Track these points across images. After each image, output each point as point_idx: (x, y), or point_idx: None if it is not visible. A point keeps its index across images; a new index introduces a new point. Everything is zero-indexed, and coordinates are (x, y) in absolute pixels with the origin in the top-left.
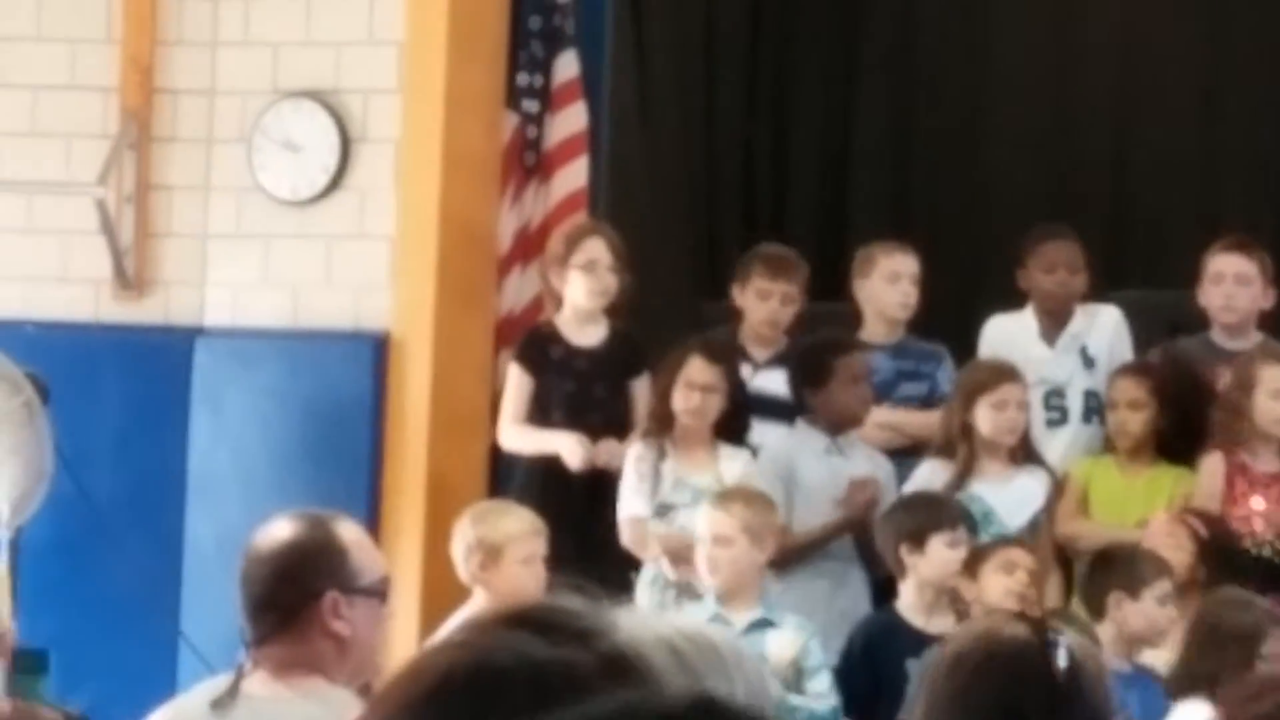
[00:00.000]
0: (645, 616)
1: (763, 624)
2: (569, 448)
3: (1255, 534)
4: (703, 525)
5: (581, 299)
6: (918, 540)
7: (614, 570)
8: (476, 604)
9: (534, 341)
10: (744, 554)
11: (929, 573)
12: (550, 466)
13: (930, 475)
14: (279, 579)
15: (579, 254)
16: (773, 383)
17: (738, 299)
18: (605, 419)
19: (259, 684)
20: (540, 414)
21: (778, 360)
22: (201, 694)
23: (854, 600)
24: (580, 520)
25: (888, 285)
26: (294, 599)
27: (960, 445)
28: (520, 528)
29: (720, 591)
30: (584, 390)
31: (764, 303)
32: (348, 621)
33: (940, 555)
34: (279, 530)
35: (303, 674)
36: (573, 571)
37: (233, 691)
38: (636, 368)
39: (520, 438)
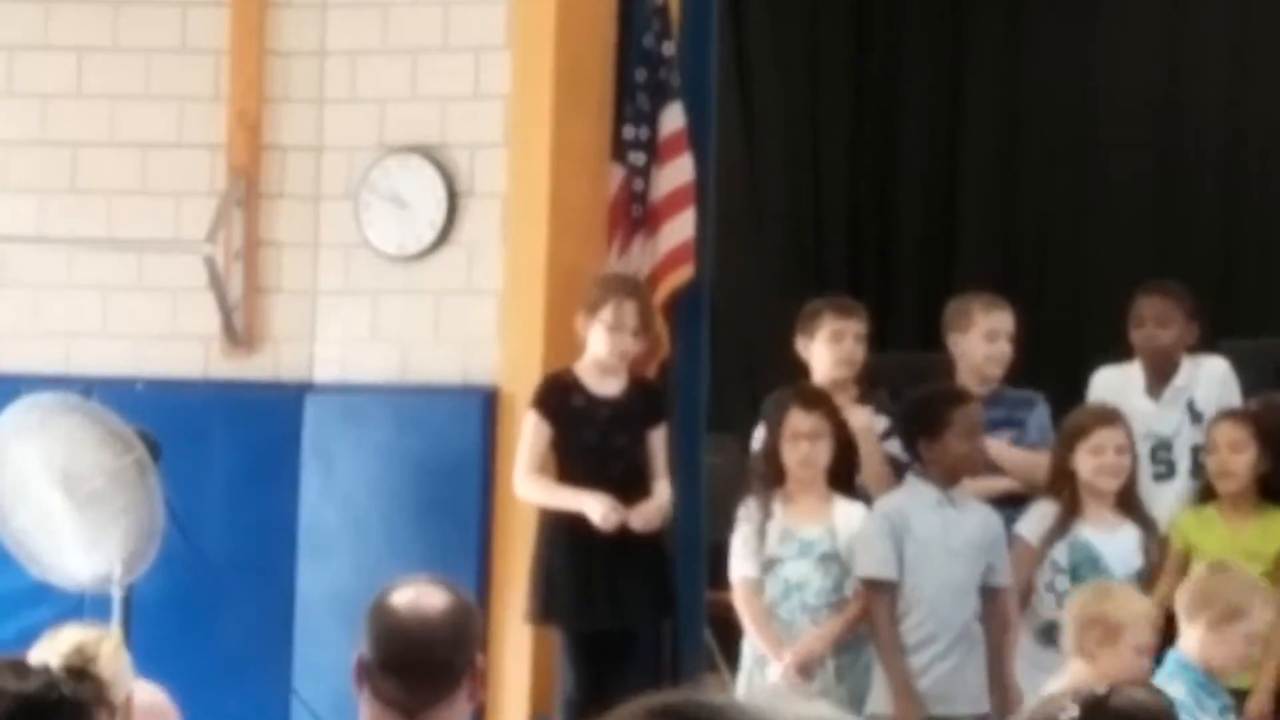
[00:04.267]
0: (779, 708)
1: None
2: (601, 512)
3: None
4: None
5: (602, 354)
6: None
7: (646, 615)
8: (1075, 673)
9: (554, 389)
10: None
11: None
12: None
13: (1041, 515)
14: (454, 644)
15: (606, 311)
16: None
17: (803, 351)
18: (626, 468)
19: None
20: (561, 463)
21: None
22: None
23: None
24: (610, 567)
25: (985, 343)
26: (460, 664)
27: (1064, 489)
28: (1143, 612)
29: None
30: (606, 440)
31: (838, 344)
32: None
33: None
34: (432, 597)
35: None
36: (607, 614)
37: None
38: (656, 417)
39: (541, 491)
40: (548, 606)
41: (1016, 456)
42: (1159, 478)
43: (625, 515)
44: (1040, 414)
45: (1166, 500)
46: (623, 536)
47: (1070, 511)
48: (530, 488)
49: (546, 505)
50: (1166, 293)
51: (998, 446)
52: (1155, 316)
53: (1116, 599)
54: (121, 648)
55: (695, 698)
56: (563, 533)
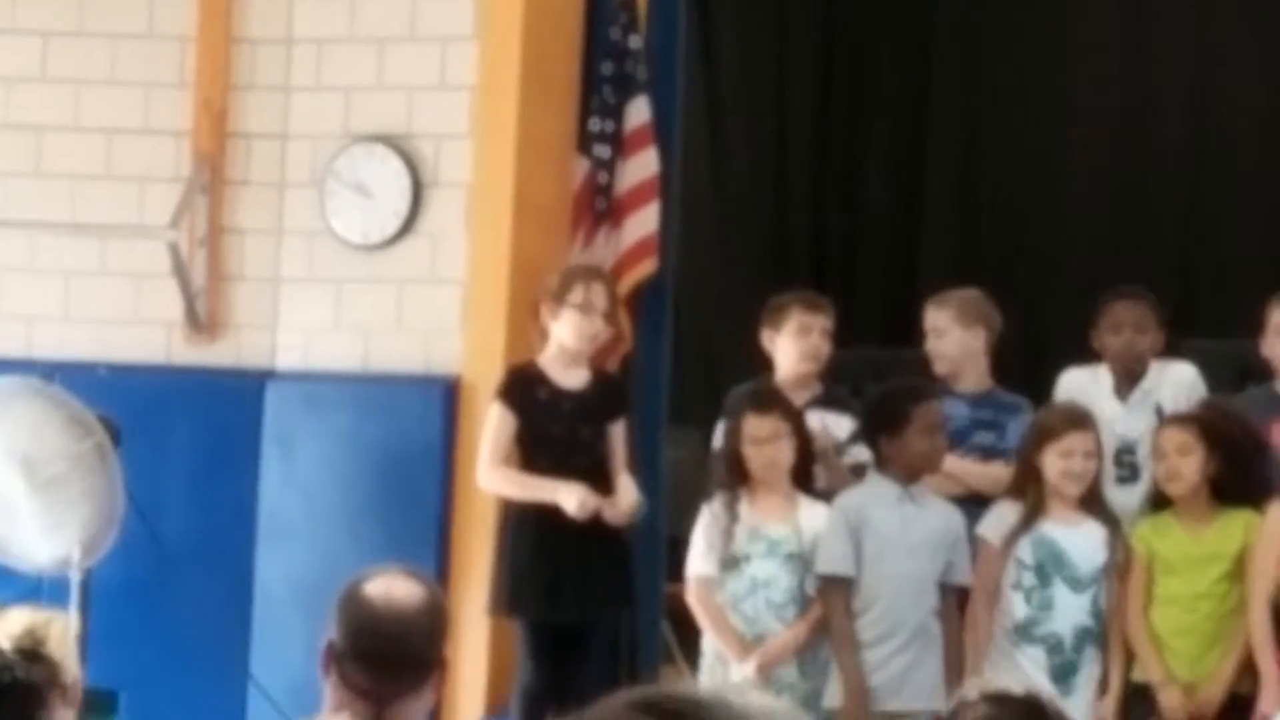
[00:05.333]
0: (752, 704)
1: None
2: (577, 499)
3: None
4: None
5: (570, 340)
6: None
7: (609, 608)
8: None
9: (519, 381)
10: None
11: None
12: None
13: (1003, 515)
14: (427, 636)
15: (575, 293)
16: (815, 424)
17: (768, 344)
18: (591, 461)
19: None
20: (526, 455)
21: (815, 403)
22: None
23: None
24: (577, 560)
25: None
26: (431, 657)
27: (1030, 487)
28: None
29: None
30: (571, 433)
31: (805, 338)
32: None
33: None
34: (406, 588)
35: None
36: (573, 607)
37: None
38: (617, 411)
39: (509, 482)
40: (512, 599)
41: (971, 470)
42: (1121, 480)
43: (600, 504)
44: (1023, 422)
45: (1129, 504)
46: (589, 528)
47: (1034, 509)
48: (498, 479)
49: (515, 497)
50: (1142, 298)
51: (952, 460)
52: (1135, 323)
53: None
54: (70, 629)
55: (677, 692)
56: (529, 525)
